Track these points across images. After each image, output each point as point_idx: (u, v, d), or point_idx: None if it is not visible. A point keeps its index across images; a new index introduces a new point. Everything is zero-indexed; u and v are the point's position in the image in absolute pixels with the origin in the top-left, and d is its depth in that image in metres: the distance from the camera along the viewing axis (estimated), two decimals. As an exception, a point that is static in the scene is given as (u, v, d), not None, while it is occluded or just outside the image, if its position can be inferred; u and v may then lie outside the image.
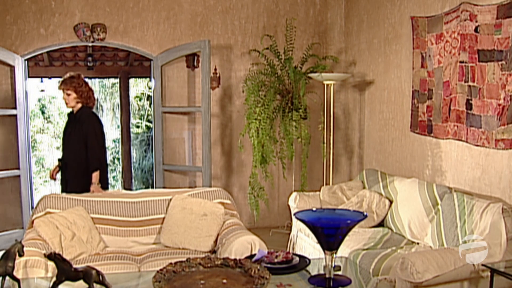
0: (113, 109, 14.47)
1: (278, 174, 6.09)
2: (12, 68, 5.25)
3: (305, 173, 5.54)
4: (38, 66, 8.53)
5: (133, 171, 11.91)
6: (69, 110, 4.59)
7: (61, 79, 4.46)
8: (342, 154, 6.13)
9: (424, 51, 4.44)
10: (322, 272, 2.36)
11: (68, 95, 4.39)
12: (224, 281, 2.11)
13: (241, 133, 5.52)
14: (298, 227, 4.65)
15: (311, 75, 5.35)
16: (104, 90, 14.64)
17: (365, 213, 2.17)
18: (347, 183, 4.93)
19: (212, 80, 5.67)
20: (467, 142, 3.91)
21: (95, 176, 4.35)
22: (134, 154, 13.14)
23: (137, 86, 14.25)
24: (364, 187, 4.80)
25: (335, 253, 2.15)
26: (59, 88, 4.44)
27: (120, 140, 11.16)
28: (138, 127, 14.16)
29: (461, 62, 3.92)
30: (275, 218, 6.16)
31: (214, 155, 5.90)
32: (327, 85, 5.44)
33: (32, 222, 3.60)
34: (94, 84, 14.41)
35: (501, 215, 3.16)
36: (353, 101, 5.93)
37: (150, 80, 5.93)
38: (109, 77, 11.82)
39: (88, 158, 4.37)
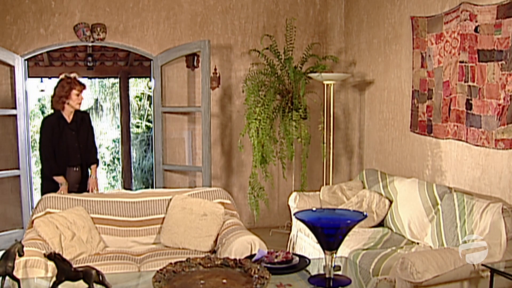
0: (113, 109, 14.47)
1: (278, 174, 6.09)
2: (12, 68, 5.25)
3: (305, 173, 5.54)
4: (38, 66, 8.53)
5: (133, 171, 11.91)
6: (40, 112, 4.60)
7: (70, 78, 4.44)
8: (342, 154, 6.13)
9: (424, 51, 4.44)
10: (322, 272, 2.36)
11: (78, 95, 4.46)
12: (224, 281, 2.11)
13: (241, 133, 5.52)
14: (298, 227, 4.65)
15: (311, 75, 5.35)
16: (104, 90, 14.64)
17: (365, 213, 2.17)
18: (347, 183, 4.93)
19: (212, 80, 5.67)
20: (467, 142, 3.91)
21: (96, 169, 4.70)
22: (134, 154, 13.14)
23: (137, 86, 14.25)
24: (364, 187, 4.80)
25: (335, 253, 2.15)
26: (77, 89, 4.42)
27: (120, 140, 11.16)
28: (138, 127, 14.16)
29: (461, 62, 3.92)
30: (275, 218, 6.16)
31: (214, 155, 5.90)
32: (327, 85, 5.44)
33: (32, 222, 3.60)
34: (94, 84, 14.42)
35: (501, 215, 3.16)
36: (353, 101, 5.94)
37: (150, 80, 5.93)
38: (109, 77, 11.83)
39: (92, 153, 4.70)
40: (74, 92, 4.42)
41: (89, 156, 4.67)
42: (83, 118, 4.63)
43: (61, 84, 4.44)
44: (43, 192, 4.44)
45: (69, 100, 4.42)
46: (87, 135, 4.64)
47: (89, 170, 4.72)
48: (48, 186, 4.45)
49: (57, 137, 4.41)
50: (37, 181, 13.84)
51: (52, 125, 4.43)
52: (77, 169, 4.58)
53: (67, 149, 4.48)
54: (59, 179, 4.42)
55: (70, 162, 4.52)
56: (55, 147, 4.42)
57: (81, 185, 4.62)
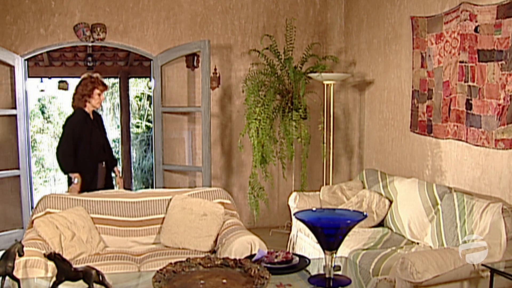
0: (113, 109, 14.47)
1: (278, 174, 6.09)
2: (12, 68, 5.25)
3: (305, 173, 5.54)
4: (38, 66, 8.54)
5: (133, 171, 11.91)
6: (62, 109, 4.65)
7: (94, 78, 4.47)
8: (342, 154, 6.13)
9: (424, 51, 4.44)
10: (322, 272, 2.36)
11: (100, 95, 4.50)
12: (224, 281, 2.11)
13: (241, 133, 5.52)
14: (298, 227, 4.65)
15: (311, 75, 5.35)
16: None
17: (365, 213, 2.17)
18: (347, 183, 4.93)
19: (212, 80, 5.67)
20: (467, 142, 3.91)
21: (118, 168, 4.80)
22: (134, 154, 13.14)
23: (137, 86, 14.25)
24: (364, 187, 4.80)
25: (335, 253, 2.15)
26: (100, 89, 4.46)
27: (120, 140, 11.16)
28: (138, 127, 14.16)
29: (461, 62, 3.92)
30: (275, 218, 6.17)
31: (214, 155, 5.90)
32: (327, 85, 5.44)
33: (32, 222, 3.59)
34: (94, 84, 14.40)
35: (501, 215, 3.16)
36: (353, 101, 5.94)
37: (150, 80, 5.94)
38: (109, 77, 11.81)
39: (111, 153, 4.74)
40: (96, 91, 4.46)
41: (110, 153, 4.75)
42: (99, 119, 4.71)
43: (84, 83, 4.47)
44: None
45: (91, 99, 4.47)
46: (105, 134, 4.75)
47: (113, 172, 4.79)
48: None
49: (88, 133, 4.45)
50: (37, 181, 13.86)
51: (81, 122, 4.45)
52: (104, 165, 4.63)
53: (97, 145, 4.53)
54: (76, 175, 4.41)
55: (100, 157, 4.57)
56: (84, 143, 4.43)
57: (106, 181, 4.66)
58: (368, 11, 5.51)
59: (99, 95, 4.48)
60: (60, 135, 4.48)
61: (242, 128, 5.63)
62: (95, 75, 4.54)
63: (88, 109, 4.51)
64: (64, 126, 4.48)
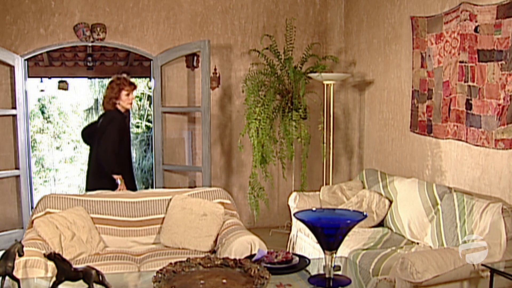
0: (113, 109, 14.47)
1: (278, 174, 6.09)
2: (12, 68, 5.25)
3: (305, 173, 5.54)
4: (38, 66, 8.53)
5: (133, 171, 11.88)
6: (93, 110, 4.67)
7: (120, 79, 4.47)
8: (342, 154, 6.13)
9: (424, 51, 4.44)
10: (322, 272, 2.36)
11: (128, 95, 4.51)
12: (224, 281, 2.11)
13: (241, 133, 5.52)
14: (298, 227, 4.65)
15: (311, 75, 5.35)
16: (104, 90, 14.60)
17: (365, 213, 2.17)
18: (347, 183, 4.93)
19: (212, 80, 5.67)
20: (467, 142, 3.91)
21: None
22: (134, 154, 13.14)
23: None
24: (364, 187, 4.80)
25: (335, 253, 2.15)
26: (127, 89, 4.45)
27: (120, 140, 11.15)
28: (138, 127, 14.15)
29: (461, 62, 3.92)
30: (275, 218, 6.16)
31: (214, 155, 5.90)
32: (327, 85, 5.44)
33: (32, 222, 3.59)
34: (94, 84, 14.42)
35: (501, 215, 3.16)
36: (353, 101, 5.94)
37: (150, 80, 5.94)
38: (109, 77, 11.77)
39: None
40: (124, 92, 4.47)
41: None
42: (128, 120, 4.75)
43: (111, 86, 4.50)
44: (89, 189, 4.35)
45: (119, 100, 4.48)
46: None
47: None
48: (96, 183, 4.41)
49: (126, 133, 4.49)
50: (37, 181, 13.85)
51: (121, 122, 4.47)
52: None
53: (129, 145, 4.58)
54: (118, 176, 4.42)
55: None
56: (123, 143, 4.44)
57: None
58: (368, 11, 5.51)
59: (127, 95, 4.49)
60: (101, 136, 4.37)
61: (242, 128, 5.63)
62: (122, 76, 4.56)
63: (121, 109, 4.52)
64: (104, 127, 4.40)
